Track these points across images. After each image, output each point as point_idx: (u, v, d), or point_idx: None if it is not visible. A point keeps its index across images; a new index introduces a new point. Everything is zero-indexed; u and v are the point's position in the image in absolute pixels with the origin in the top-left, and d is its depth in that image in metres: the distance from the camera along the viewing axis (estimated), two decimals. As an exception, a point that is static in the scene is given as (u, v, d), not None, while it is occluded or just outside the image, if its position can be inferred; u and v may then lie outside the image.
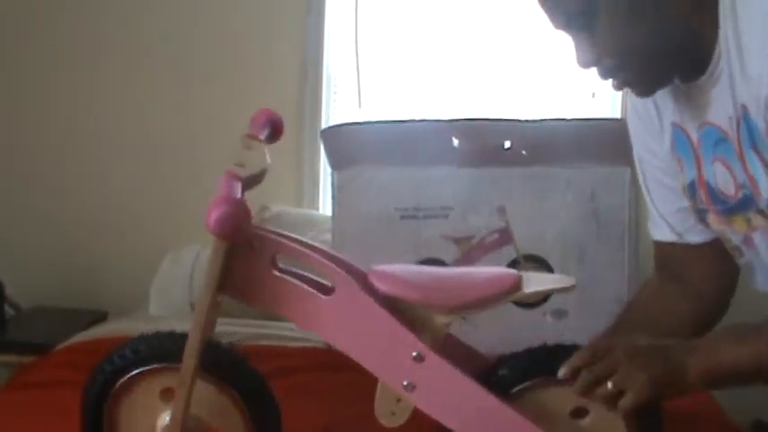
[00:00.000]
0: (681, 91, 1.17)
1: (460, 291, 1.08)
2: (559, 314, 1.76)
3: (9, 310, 2.39)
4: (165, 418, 1.10)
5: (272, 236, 1.07)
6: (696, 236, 1.28)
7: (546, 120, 1.83)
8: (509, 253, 1.75)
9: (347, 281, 1.05)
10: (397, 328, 1.04)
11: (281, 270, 1.08)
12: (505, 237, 1.76)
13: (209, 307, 1.05)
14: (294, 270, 1.09)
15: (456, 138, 1.76)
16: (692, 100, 1.15)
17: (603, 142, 1.76)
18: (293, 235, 1.10)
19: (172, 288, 2.29)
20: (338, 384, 1.55)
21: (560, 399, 1.09)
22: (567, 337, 1.15)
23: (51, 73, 2.61)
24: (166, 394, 1.10)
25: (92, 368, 1.14)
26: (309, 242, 1.10)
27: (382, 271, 1.08)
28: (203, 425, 1.12)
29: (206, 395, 1.10)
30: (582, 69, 1.12)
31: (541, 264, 1.75)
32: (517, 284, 1.06)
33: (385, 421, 1.09)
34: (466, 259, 1.75)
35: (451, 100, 2.54)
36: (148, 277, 2.34)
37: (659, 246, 1.34)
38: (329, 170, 1.81)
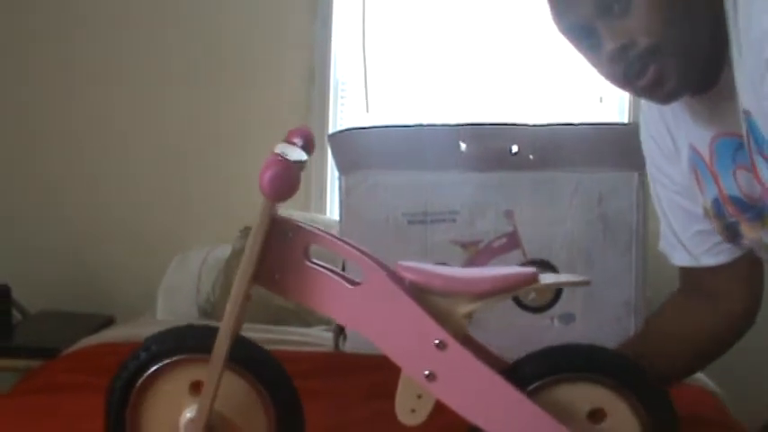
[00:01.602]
0: (688, 108, 1.15)
1: (482, 279, 1.11)
2: (567, 319, 1.76)
3: (16, 315, 2.39)
4: (187, 414, 1.11)
5: (307, 227, 1.10)
6: (711, 258, 1.27)
7: (553, 124, 1.83)
8: (517, 257, 1.75)
9: (376, 269, 1.09)
10: (421, 316, 1.06)
11: (312, 262, 1.11)
12: (513, 241, 1.76)
13: (251, 274, 1.06)
14: (322, 264, 1.12)
15: (463, 142, 1.75)
16: (700, 115, 1.13)
17: (611, 147, 1.75)
18: (322, 229, 1.13)
19: (179, 292, 2.29)
20: (347, 388, 1.55)
21: (577, 399, 1.10)
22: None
23: (61, 80, 2.62)
24: (195, 388, 1.12)
25: (109, 369, 1.14)
26: (338, 236, 1.14)
27: (408, 264, 1.12)
28: (226, 422, 1.13)
29: (234, 393, 1.12)
30: (612, 61, 1.08)
31: (549, 268, 1.74)
32: (534, 277, 1.09)
33: (405, 419, 1.09)
34: (473, 264, 1.74)
35: (459, 104, 2.55)
36: (156, 281, 2.35)
37: (681, 268, 1.33)
38: (336, 174, 1.81)
